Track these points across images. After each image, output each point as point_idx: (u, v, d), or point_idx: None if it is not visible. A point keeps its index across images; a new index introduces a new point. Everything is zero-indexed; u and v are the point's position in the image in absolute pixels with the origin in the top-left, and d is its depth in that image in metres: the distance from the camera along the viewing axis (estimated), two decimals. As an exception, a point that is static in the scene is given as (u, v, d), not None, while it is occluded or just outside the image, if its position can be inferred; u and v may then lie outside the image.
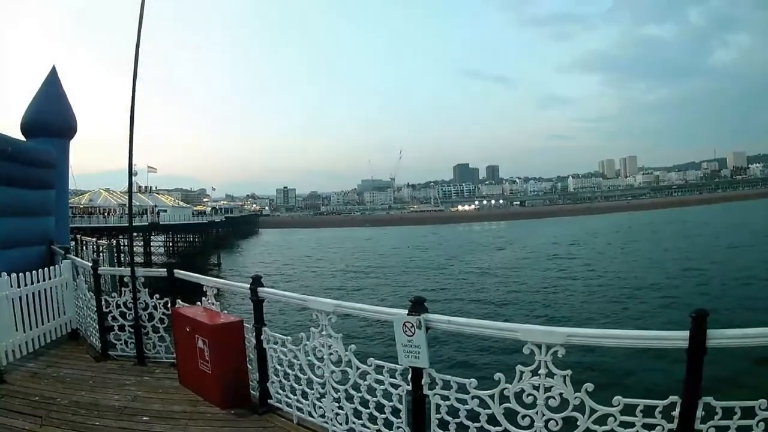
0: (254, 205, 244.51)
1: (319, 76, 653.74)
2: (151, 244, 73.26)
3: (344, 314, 5.28)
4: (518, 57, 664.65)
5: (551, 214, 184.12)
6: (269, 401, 6.05)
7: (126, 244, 46.96)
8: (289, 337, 5.76)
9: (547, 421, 3.79)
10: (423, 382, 4.39)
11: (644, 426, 3.47)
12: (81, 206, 74.53)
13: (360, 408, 5.00)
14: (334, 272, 52.81)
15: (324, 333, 5.24)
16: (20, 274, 8.44)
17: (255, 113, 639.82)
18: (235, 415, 5.93)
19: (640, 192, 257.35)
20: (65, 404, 6.24)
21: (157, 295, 8.03)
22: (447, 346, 18.36)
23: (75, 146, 14.08)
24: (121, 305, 8.37)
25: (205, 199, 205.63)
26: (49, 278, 9.15)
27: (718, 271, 37.46)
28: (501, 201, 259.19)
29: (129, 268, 8.32)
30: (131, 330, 8.30)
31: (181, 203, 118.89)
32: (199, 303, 7.03)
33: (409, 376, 4.49)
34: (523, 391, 3.89)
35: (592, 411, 3.63)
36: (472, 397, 4.14)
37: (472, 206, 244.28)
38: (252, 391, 6.32)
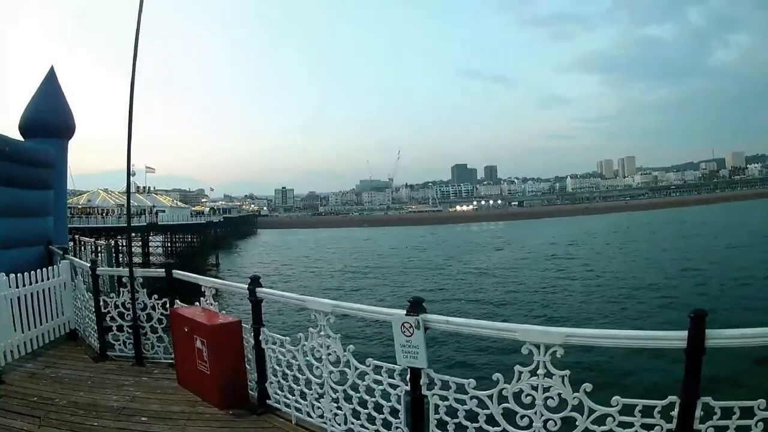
0: (252, 206, 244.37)
1: (319, 76, 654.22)
2: (150, 244, 73.14)
3: (342, 314, 5.28)
4: (518, 57, 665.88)
5: (549, 214, 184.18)
6: (268, 402, 6.04)
7: (124, 244, 46.92)
8: (287, 338, 5.76)
9: (545, 422, 3.79)
10: (421, 382, 4.39)
11: (643, 426, 3.47)
12: (79, 206, 74.41)
13: (358, 408, 5.00)
14: (332, 272, 52.77)
15: (322, 333, 5.24)
16: (19, 274, 8.44)
17: (254, 113, 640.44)
18: (234, 416, 5.93)
19: (638, 192, 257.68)
20: (64, 405, 6.23)
21: (156, 296, 8.03)
22: (446, 346, 18.36)
23: (74, 146, 14.09)
24: (120, 306, 8.36)
25: (203, 200, 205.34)
26: (48, 278, 9.16)
27: (716, 271, 37.48)
28: (499, 201, 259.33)
29: (127, 269, 8.32)
30: (130, 330, 8.29)
31: (179, 203, 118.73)
32: (197, 303, 7.03)
33: (408, 377, 4.49)
34: (521, 391, 3.88)
35: (591, 411, 3.63)
36: (471, 398, 4.14)
37: (471, 206, 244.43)
38: (250, 392, 6.32)
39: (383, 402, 4.74)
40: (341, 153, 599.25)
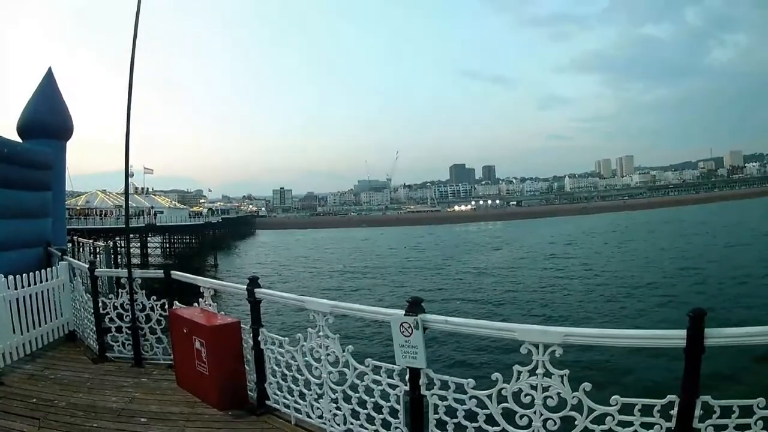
0: (251, 206, 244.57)
1: (319, 76, 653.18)
2: (148, 245, 73.09)
3: (341, 315, 5.28)
4: (517, 57, 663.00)
5: (548, 214, 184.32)
6: (267, 402, 6.04)
7: (123, 245, 46.89)
8: (286, 338, 5.76)
9: (545, 421, 3.79)
10: (420, 382, 4.39)
11: (642, 425, 3.47)
12: (78, 208, 74.31)
13: (358, 408, 4.99)
14: (331, 273, 52.78)
15: (321, 334, 5.24)
16: (17, 275, 8.43)
17: (254, 113, 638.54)
18: (233, 417, 5.93)
19: (636, 192, 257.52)
20: (63, 406, 6.23)
21: (155, 297, 8.02)
22: (445, 346, 18.36)
23: (73, 147, 14.09)
24: (119, 307, 8.36)
25: (201, 200, 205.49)
26: (46, 280, 9.15)
27: (715, 270, 37.54)
28: (498, 201, 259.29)
29: (126, 270, 8.31)
30: (128, 331, 8.29)
31: (177, 204, 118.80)
32: (196, 304, 7.03)
33: (407, 377, 4.49)
34: (521, 390, 3.89)
35: (590, 410, 3.63)
36: (470, 397, 4.15)
37: (469, 206, 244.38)
38: (250, 392, 6.32)
39: (382, 402, 4.74)
40: (340, 153, 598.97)
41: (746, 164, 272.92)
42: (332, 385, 5.21)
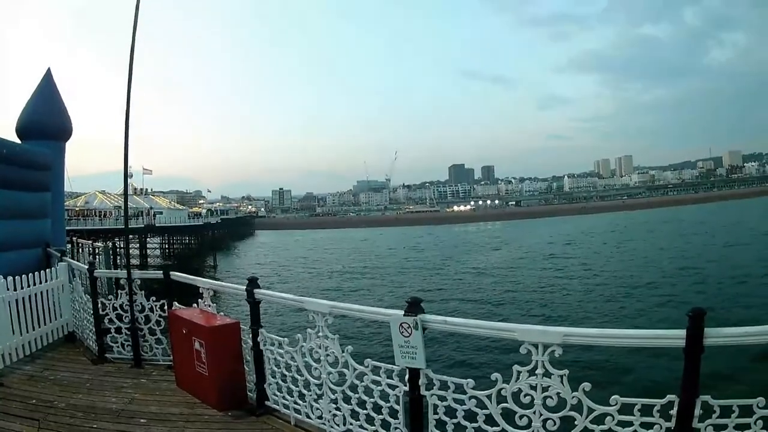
0: (250, 207, 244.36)
1: (319, 76, 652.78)
2: (147, 246, 73.15)
3: (341, 315, 5.28)
4: (517, 57, 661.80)
5: (547, 214, 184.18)
6: (266, 403, 6.04)
7: (122, 246, 46.89)
8: (285, 339, 5.77)
9: (544, 421, 3.79)
10: (420, 382, 4.39)
11: (642, 425, 3.47)
12: (77, 208, 74.34)
13: (357, 409, 5.00)
14: (330, 273, 52.76)
15: (321, 334, 5.24)
16: (17, 276, 8.43)
17: (253, 113, 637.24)
18: (232, 417, 5.92)
19: (635, 191, 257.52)
20: (62, 407, 6.23)
21: (154, 298, 8.03)
22: (444, 346, 18.36)
23: (72, 147, 14.11)
24: (118, 308, 8.35)
25: (200, 201, 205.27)
26: (46, 281, 9.15)
27: (714, 270, 37.54)
28: (497, 201, 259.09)
29: (125, 271, 8.32)
30: (128, 332, 8.29)
31: (176, 205, 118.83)
32: (195, 305, 7.03)
33: (407, 377, 4.49)
34: (520, 391, 3.89)
35: (590, 410, 3.63)
36: (470, 398, 4.15)
37: (468, 207, 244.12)
38: (249, 393, 6.32)
39: (382, 402, 4.74)
40: (340, 153, 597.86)
41: (745, 164, 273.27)
42: (332, 386, 5.21)
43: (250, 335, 6.10)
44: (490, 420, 4.04)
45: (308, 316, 5.34)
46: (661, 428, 3.44)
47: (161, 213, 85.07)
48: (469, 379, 4.18)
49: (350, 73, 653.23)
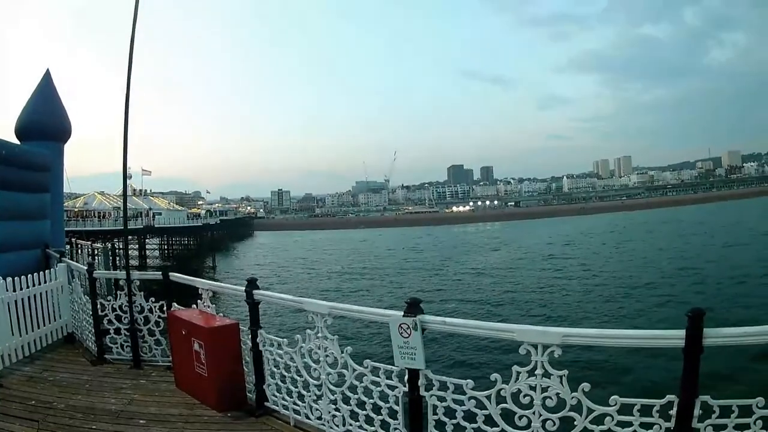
0: (249, 208, 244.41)
1: (319, 76, 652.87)
2: (146, 247, 73.05)
3: (340, 316, 5.28)
4: (517, 57, 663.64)
5: (546, 214, 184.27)
6: (266, 404, 6.04)
7: (121, 247, 46.86)
8: (285, 340, 5.76)
9: (544, 422, 3.79)
10: (419, 383, 4.40)
11: (642, 425, 3.47)
12: (76, 209, 74.25)
13: (357, 410, 4.99)
14: (329, 274, 52.73)
15: (320, 335, 5.24)
16: (16, 277, 8.43)
17: (253, 114, 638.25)
18: (232, 418, 5.92)
19: (634, 192, 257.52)
20: (62, 408, 6.22)
21: (153, 299, 8.03)
22: (444, 346, 18.35)
23: (71, 147, 14.10)
24: (117, 309, 8.35)
25: (199, 202, 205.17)
26: (45, 282, 9.15)
27: (713, 270, 37.54)
28: (496, 202, 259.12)
29: (124, 272, 8.32)
30: (127, 333, 8.28)
31: (175, 206, 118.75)
32: (194, 306, 7.03)
33: (406, 378, 4.49)
34: (519, 391, 3.89)
35: (590, 411, 3.63)
36: (469, 398, 4.15)
37: (467, 207, 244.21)
38: (248, 394, 6.31)
39: (381, 403, 4.74)
40: (339, 153, 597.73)
41: (744, 164, 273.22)
42: (331, 387, 5.20)
43: (250, 336, 6.10)
44: (489, 420, 4.04)
45: (307, 317, 5.34)
46: (660, 428, 3.44)
47: (160, 214, 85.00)
48: (468, 380, 4.19)
49: (350, 73, 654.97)
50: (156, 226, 75.57)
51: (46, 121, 12.92)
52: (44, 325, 9.06)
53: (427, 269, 51.57)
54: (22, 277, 8.59)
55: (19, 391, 6.92)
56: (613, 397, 3.53)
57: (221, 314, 6.77)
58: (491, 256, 62.68)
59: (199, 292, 6.95)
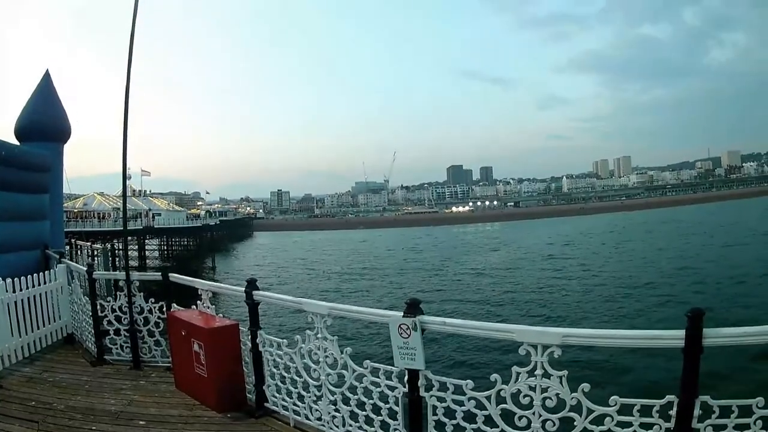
0: (248, 208, 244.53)
1: (319, 76, 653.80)
2: (146, 247, 73.02)
3: (339, 316, 5.28)
4: (517, 58, 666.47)
5: (545, 214, 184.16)
6: (266, 404, 6.04)
7: (121, 247, 46.83)
8: (284, 340, 5.76)
9: (544, 422, 3.79)
10: (419, 383, 4.40)
11: (642, 425, 3.47)
12: (75, 210, 74.21)
13: (356, 410, 4.99)
14: (329, 274, 52.70)
15: (319, 336, 5.24)
16: (15, 278, 8.42)
17: (253, 114, 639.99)
18: (231, 419, 5.92)
19: (634, 192, 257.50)
20: (61, 409, 6.22)
21: (153, 299, 8.03)
22: (443, 347, 18.36)
23: (71, 148, 14.09)
24: (117, 309, 8.34)
25: (199, 203, 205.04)
26: (45, 283, 9.14)
27: (712, 270, 37.54)
28: (495, 202, 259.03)
29: (124, 272, 8.31)
30: (127, 334, 8.28)
31: (175, 207, 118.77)
32: (194, 307, 7.02)
33: (406, 378, 4.49)
34: (519, 392, 3.89)
35: (589, 411, 3.63)
36: (469, 399, 4.15)
37: (467, 207, 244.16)
38: (248, 395, 6.31)
39: (381, 404, 4.74)
40: (339, 153, 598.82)
41: (744, 164, 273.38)
42: (331, 387, 5.20)
43: (249, 337, 6.10)
44: (489, 421, 4.04)
45: (307, 318, 5.33)
46: (660, 429, 3.44)
47: (160, 215, 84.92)
48: (468, 380, 4.19)
49: (350, 73, 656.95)
50: (155, 226, 75.48)
51: (45, 121, 12.90)
52: (44, 326, 9.06)
53: (427, 269, 51.57)
54: (22, 277, 8.58)
55: (18, 391, 6.91)
56: (612, 397, 3.53)
57: (221, 315, 6.77)
58: (491, 256, 62.70)
59: (199, 293, 6.95)
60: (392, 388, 4.65)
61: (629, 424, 3.50)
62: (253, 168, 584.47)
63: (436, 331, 4.43)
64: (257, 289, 6.04)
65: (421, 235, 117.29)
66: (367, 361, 4.86)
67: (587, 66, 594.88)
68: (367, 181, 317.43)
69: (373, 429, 4.83)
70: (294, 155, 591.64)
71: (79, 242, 22.44)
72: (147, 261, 69.05)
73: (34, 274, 8.96)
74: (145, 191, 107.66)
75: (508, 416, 3.96)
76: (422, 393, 4.39)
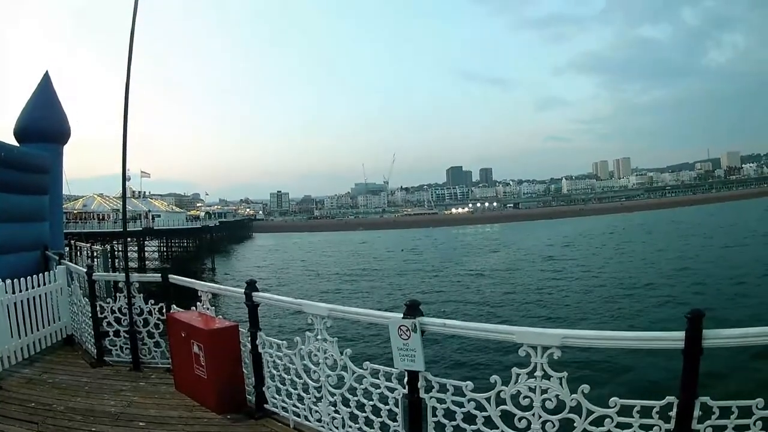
0: (248, 210, 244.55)
1: (319, 76, 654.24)
2: (146, 249, 72.96)
3: (339, 318, 5.28)
4: (516, 59, 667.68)
5: (545, 216, 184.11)
6: (265, 406, 6.03)
7: (120, 249, 46.81)
8: (284, 342, 5.76)
9: (543, 423, 3.79)
10: (419, 385, 4.39)
11: (641, 426, 3.47)
12: (75, 211, 74.12)
13: (356, 412, 4.99)
14: (329, 276, 52.67)
15: (319, 337, 5.24)
16: (15, 279, 8.42)
17: (253, 114, 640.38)
18: (231, 420, 5.92)
19: (633, 193, 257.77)
20: (61, 410, 6.22)
21: (152, 301, 8.03)
22: (443, 348, 18.35)
23: (71, 149, 14.08)
24: (116, 311, 8.34)
25: (198, 204, 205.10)
26: (44, 284, 9.14)
27: (712, 271, 37.53)
28: (495, 203, 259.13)
29: (123, 274, 8.30)
30: (126, 335, 8.27)
31: (174, 208, 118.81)
32: (194, 308, 7.02)
33: (405, 380, 4.49)
34: (519, 393, 3.89)
35: (589, 412, 3.63)
36: (469, 400, 4.15)
37: (466, 209, 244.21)
38: (248, 396, 6.30)
39: (381, 405, 4.74)
40: (339, 155, 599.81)
41: (743, 165, 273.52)
42: (331, 389, 5.20)
43: (249, 338, 6.09)
44: (489, 422, 4.04)
45: (307, 319, 5.33)
46: (660, 430, 3.44)
47: (159, 216, 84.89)
48: (468, 382, 4.19)
49: (350, 73, 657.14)
50: (155, 228, 75.39)
51: (45, 123, 12.90)
52: (44, 327, 9.06)
53: (427, 271, 51.55)
54: (22, 279, 8.59)
55: (18, 393, 6.91)
56: (612, 398, 3.53)
57: (221, 316, 6.79)
58: (490, 257, 62.69)
59: (199, 294, 6.95)
60: (392, 390, 4.64)
61: (629, 426, 3.49)
62: (252, 169, 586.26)
63: (435, 333, 4.42)
64: (257, 290, 6.04)
65: (421, 236, 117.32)
66: (367, 362, 4.85)
67: (587, 67, 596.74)
68: (366, 183, 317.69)
69: (372, 430, 4.83)
70: (294, 156, 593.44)
71: (79, 243, 22.46)
72: (147, 262, 68.91)
73: (34, 276, 8.95)
74: (144, 192, 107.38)
75: (507, 417, 3.96)
76: (422, 394, 4.39)
